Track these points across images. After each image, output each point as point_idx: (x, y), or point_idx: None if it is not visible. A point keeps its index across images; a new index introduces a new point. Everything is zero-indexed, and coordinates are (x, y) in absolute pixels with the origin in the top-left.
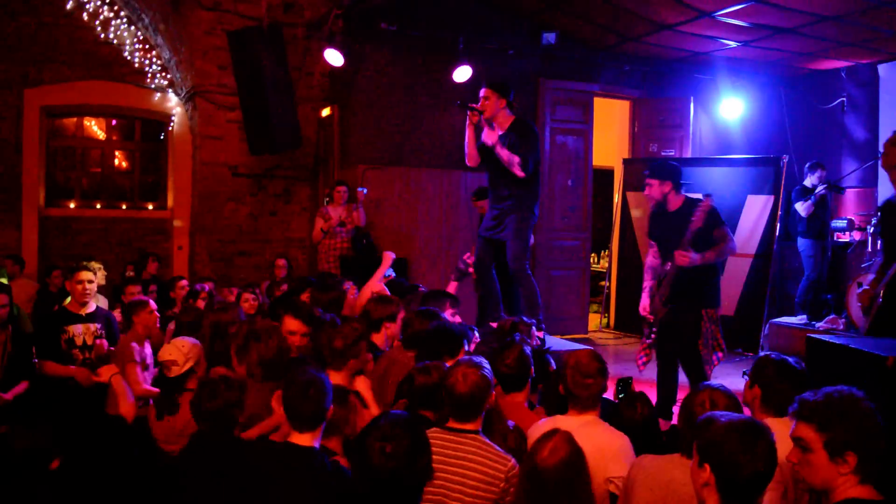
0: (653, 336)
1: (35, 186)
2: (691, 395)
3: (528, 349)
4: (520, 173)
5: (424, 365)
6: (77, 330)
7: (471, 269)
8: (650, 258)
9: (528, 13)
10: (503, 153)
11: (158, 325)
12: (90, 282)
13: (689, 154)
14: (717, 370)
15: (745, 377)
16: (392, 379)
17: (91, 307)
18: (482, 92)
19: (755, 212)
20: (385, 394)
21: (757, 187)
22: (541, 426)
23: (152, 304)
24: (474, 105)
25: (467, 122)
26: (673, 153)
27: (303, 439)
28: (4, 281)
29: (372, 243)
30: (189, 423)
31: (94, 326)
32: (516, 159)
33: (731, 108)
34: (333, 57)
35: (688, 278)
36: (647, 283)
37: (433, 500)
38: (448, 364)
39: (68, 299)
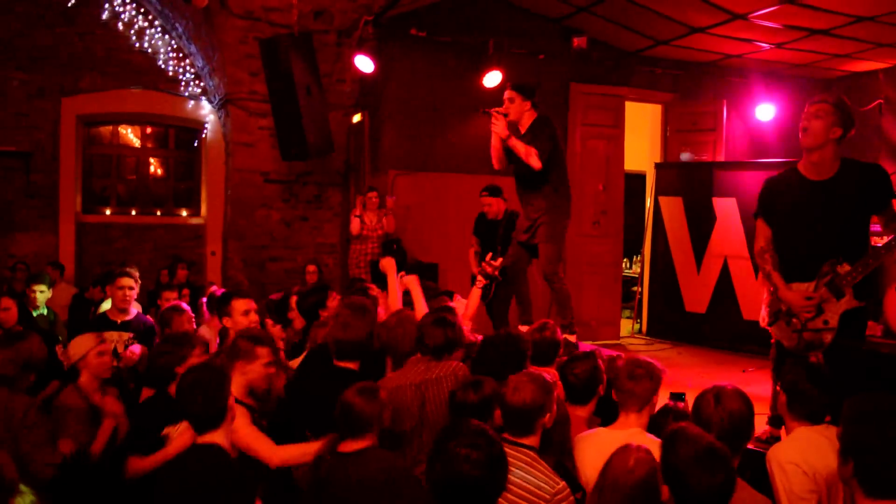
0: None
1: (72, 194)
2: (702, 393)
3: (601, 364)
4: (536, 164)
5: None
6: (111, 337)
7: (497, 273)
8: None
9: (558, 17)
10: (518, 146)
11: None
12: (131, 288)
13: (721, 158)
14: (752, 377)
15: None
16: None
17: (130, 314)
18: (506, 94)
19: None
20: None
21: None
22: (585, 437)
23: (189, 311)
24: (498, 109)
25: (491, 126)
26: (705, 157)
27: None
28: (45, 287)
29: (402, 248)
30: None
31: (126, 336)
32: (533, 151)
33: (764, 111)
34: (364, 63)
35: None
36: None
37: None
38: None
39: (105, 305)
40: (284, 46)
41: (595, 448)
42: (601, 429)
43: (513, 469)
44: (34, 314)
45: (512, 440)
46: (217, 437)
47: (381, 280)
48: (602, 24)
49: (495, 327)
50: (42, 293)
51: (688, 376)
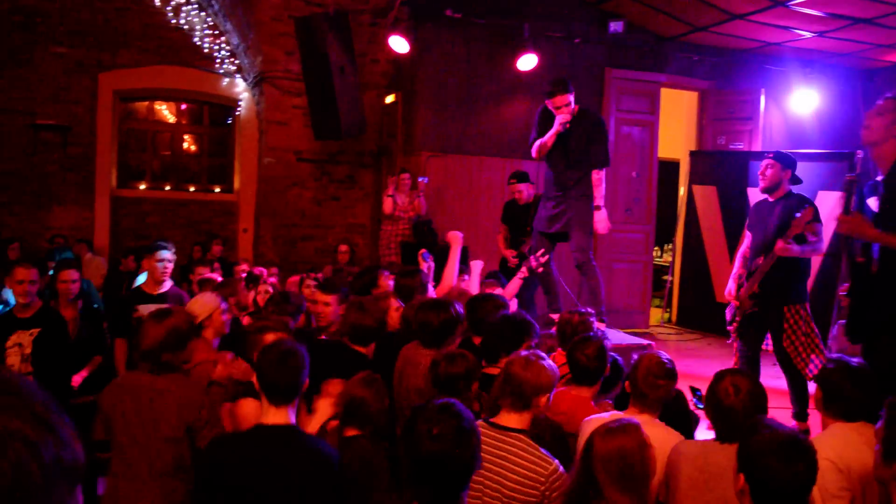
0: (735, 323)
1: (108, 168)
2: (715, 381)
3: (608, 345)
4: (602, 173)
5: (449, 353)
6: (147, 310)
7: (540, 269)
8: (743, 247)
9: (595, 1)
10: (601, 192)
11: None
12: (169, 261)
13: (758, 147)
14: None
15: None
16: (409, 382)
17: (165, 287)
18: (567, 98)
19: (826, 208)
20: (402, 395)
21: (829, 183)
22: (596, 420)
23: (218, 279)
24: (568, 119)
25: (557, 126)
26: (741, 146)
27: (278, 415)
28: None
29: (433, 230)
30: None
31: (164, 307)
32: (597, 176)
33: (803, 100)
34: (398, 44)
35: (777, 273)
36: (736, 270)
37: (469, 495)
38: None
39: (141, 278)
40: (320, 25)
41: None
42: (614, 413)
43: (505, 455)
44: None
45: (501, 424)
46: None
47: (411, 260)
48: (639, 8)
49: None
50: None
51: (716, 367)
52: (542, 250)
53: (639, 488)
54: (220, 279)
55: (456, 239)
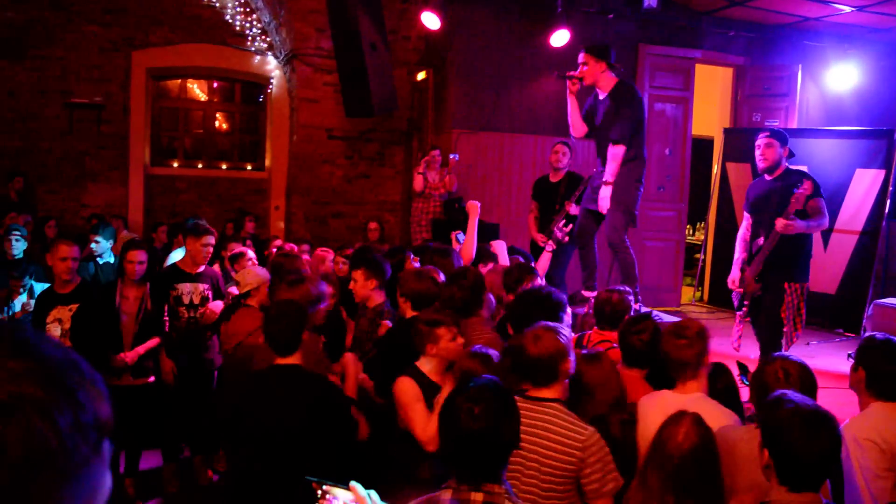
0: (745, 308)
1: (141, 146)
2: (763, 365)
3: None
4: (622, 149)
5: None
6: (186, 288)
7: (566, 239)
8: (742, 231)
9: None
10: (613, 169)
11: None
12: (212, 245)
13: (794, 125)
14: (817, 350)
15: (850, 359)
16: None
17: (202, 267)
18: (580, 58)
19: (863, 186)
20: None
21: (867, 161)
22: (649, 398)
23: (250, 253)
24: (572, 73)
25: (567, 92)
26: (777, 123)
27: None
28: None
29: (463, 208)
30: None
31: (202, 287)
32: (613, 152)
33: (841, 77)
34: (430, 20)
35: (780, 251)
36: (738, 256)
37: (507, 468)
38: None
39: (176, 255)
40: (351, 2)
41: (660, 409)
42: (666, 391)
43: (541, 425)
44: (101, 262)
45: (535, 396)
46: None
47: (442, 237)
48: None
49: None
50: (98, 244)
51: (749, 347)
52: (564, 221)
53: (715, 484)
54: (251, 253)
55: (474, 208)
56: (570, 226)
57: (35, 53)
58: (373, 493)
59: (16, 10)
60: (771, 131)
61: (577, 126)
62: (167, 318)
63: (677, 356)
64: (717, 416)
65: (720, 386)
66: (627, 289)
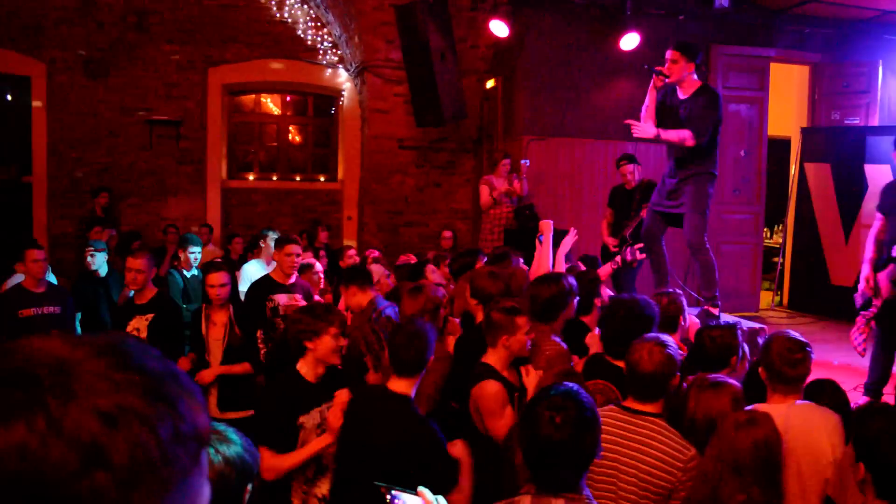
0: (872, 310)
1: (218, 160)
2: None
3: (738, 331)
4: (691, 143)
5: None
6: (282, 300)
7: (635, 264)
8: (875, 230)
9: None
10: (671, 136)
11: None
12: (298, 255)
13: (876, 122)
14: None
15: None
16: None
17: (294, 277)
18: (669, 54)
19: None
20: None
21: None
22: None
23: (318, 266)
24: (661, 68)
25: (650, 86)
26: (857, 121)
27: (400, 385)
28: (198, 248)
29: (535, 214)
30: None
31: (297, 296)
32: (686, 133)
33: None
34: (498, 28)
35: None
36: (869, 255)
37: (603, 479)
38: None
39: (249, 266)
40: (419, 12)
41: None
42: (759, 405)
43: (642, 440)
44: (187, 275)
45: (637, 409)
46: (406, 386)
47: (516, 244)
48: None
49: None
50: (194, 255)
51: (833, 353)
52: (641, 245)
53: (774, 479)
54: (318, 266)
55: (547, 227)
56: (644, 256)
57: (117, 73)
58: (441, 498)
59: (99, 33)
60: None
61: (647, 120)
62: (262, 345)
63: (787, 372)
64: (821, 416)
65: (827, 402)
66: (678, 291)
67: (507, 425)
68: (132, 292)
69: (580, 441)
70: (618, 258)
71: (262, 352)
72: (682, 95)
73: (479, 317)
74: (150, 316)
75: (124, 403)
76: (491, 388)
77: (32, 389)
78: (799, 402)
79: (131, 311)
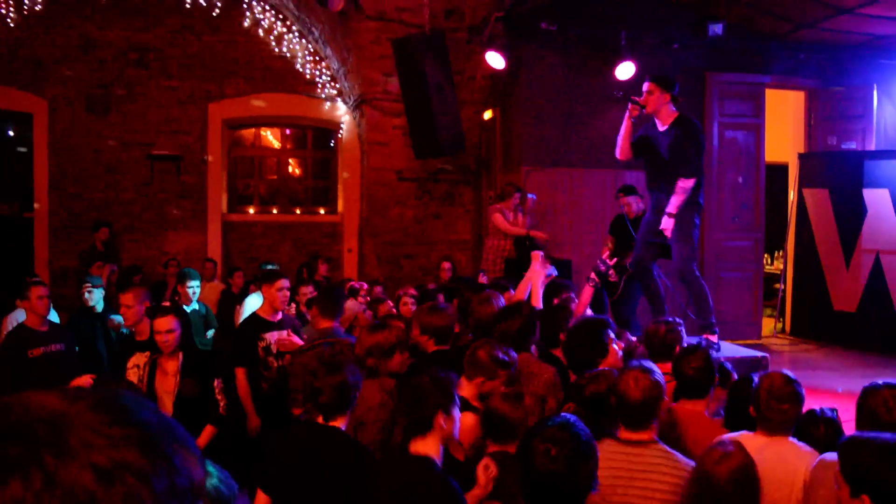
0: None
1: (218, 194)
2: (866, 395)
3: (714, 354)
4: (691, 183)
5: (595, 373)
6: (272, 337)
7: (611, 273)
8: None
9: (692, 4)
10: (675, 204)
11: None
12: (288, 289)
13: (873, 146)
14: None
15: None
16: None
17: (280, 313)
18: (645, 86)
19: None
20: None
21: None
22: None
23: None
24: (637, 98)
25: (626, 115)
26: (854, 145)
27: (422, 445)
28: (197, 283)
29: (535, 244)
30: None
31: (285, 333)
32: (679, 187)
33: None
34: (495, 60)
35: None
36: None
37: None
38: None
39: (250, 300)
40: (417, 46)
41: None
42: (746, 434)
43: (644, 468)
44: (187, 309)
45: (633, 439)
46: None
47: (514, 276)
48: (739, 8)
49: (619, 328)
50: (193, 289)
51: (836, 380)
52: (608, 253)
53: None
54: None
55: (534, 258)
56: (615, 260)
57: (118, 109)
58: None
59: (100, 70)
60: None
61: (624, 149)
62: (220, 396)
63: (772, 417)
64: (796, 455)
65: (822, 435)
66: (678, 319)
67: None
68: (126, 329)
69: (576, 473)
70: (593, 275)
71: (221, 404)
72: (660, 127)
73: (430, 348)
74: (149, 353)
75: (120, 458)
76: (467, 421)
77: (29, 445)
78: (783, 437)
79: (132, 347)
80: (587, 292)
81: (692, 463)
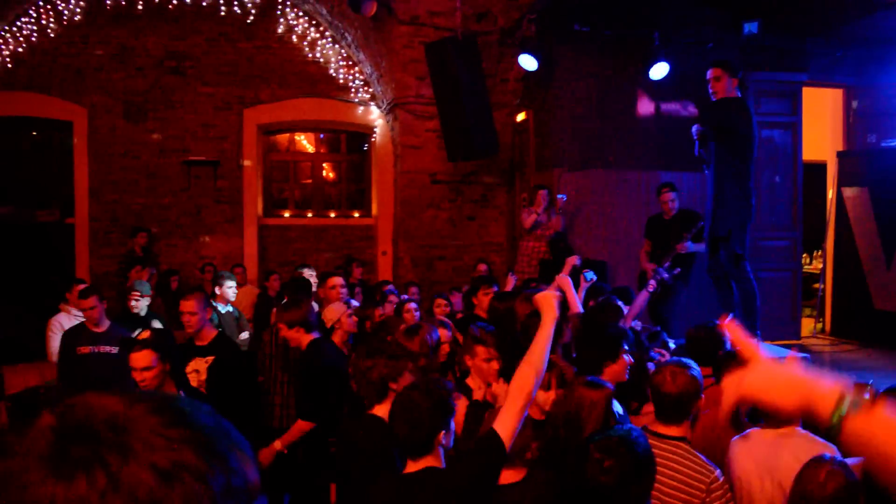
0: None
1: (254, 198)
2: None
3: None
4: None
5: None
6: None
7: (668, 277)
8: None
9: (727, 3)
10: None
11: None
12: (343, 286)
13: None
14: None
15: None
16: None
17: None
18: (710, 73)
19: None
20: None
21: None
22: (737, 441)
23: (354, 302)
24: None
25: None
26: (894, 143)
27: (424, 462)
28: (234, 282)
29: (569, 246)
30: None
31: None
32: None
33: None
34: (527, 62)
35: None
36: None
37: None
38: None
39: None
40: (449, 49)
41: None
42: (753, 430)
43: (667, 463)
44: (221, 310)
45: (662, 433)
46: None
47: (548, 278)
48: (775, 6)
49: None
50: (232, 289)
51: (879, 380)
52: (669, 263)
53: None
54: (355, 302)
55: (570, 262)
56: (678, 269)
57: (155, 116)
58: None
59: (138, 77)
60: None
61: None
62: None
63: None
64: (810, 448)
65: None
66: (719, 322)
67: None
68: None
69: (626, 492)
70: (652, 282)
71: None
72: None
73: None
74: (210, 358)
75: (179, 459)
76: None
77: (93, 446)
78: (789, 430)
79: (191, 352)
80: (643, 297)
81: (716, 469)
